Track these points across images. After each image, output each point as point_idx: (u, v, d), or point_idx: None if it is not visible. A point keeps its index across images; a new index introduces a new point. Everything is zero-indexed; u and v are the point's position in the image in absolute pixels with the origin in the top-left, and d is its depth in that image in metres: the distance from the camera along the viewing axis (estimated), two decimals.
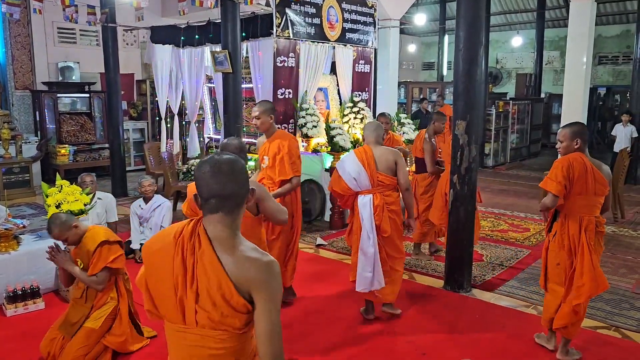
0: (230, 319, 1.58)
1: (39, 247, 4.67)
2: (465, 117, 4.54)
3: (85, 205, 4.82)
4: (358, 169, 3.97)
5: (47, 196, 4.74)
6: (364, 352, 3.73)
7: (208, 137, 8.87)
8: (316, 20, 7.35)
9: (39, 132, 9.68)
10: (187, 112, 8.99)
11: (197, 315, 1.60)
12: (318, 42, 7.44)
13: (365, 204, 3.97)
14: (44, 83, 9.80)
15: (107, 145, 9.97)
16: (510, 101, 12.97)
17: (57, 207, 4.68)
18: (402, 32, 11.32)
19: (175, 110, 8.96)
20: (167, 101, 8.86)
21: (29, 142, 9.21)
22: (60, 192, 4.76)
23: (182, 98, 8.88)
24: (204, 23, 7.84)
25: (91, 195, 4.98)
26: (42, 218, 6.94)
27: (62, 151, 9.45)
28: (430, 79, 17.77)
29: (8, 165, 8.32)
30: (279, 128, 4.75)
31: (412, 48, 16.93)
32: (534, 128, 13.98)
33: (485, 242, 6.27)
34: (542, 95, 15.25)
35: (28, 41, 9.67)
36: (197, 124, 8.83)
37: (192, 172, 7.52)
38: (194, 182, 1.75)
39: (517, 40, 15.17)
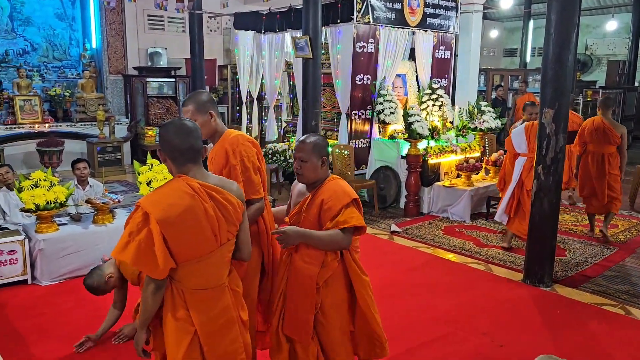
0: (236, 227, 2.20)
1: None
2: (554, 105, 4.35)
3: None
4: (521, 137, 5.44)
5: (139, 174, 5.07)
6: (438, 339, 3.72)
7: (285, 122, 9.06)
8: (397, 5, 7.28)
9: (129, 114, 10.29)
10: (265, 96, 9.21)
11: (228, 234, 2.15)
12: (398, 28, 7.36)
13: (519, 163, 5.45)
14: (134, 68, 10.38)
15: None
16: (600, 90, 12.20)
17: (148, 184, 5.00)
18: (483, 17, 10.91)
19: (255, 95, 9.21)
20: (248, 86, 9.13)
21: (121, 124, 9.82)
22: (150, 170, 5.08)
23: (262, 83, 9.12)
24: (285, 9, 7.98)
25: None
26: (133, 194, 7.42)
27: (150, 132, 9.98)
28: (511, 66, 17.02)
29: (102, 144, 8.94)
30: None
31: (493, 34, 16.27)
32: (626, 119, 13.06)
33: (569, 237, 6.00)
34: (637, 84, 14.21)
35: (121, 28, 10.27)
36: (275, 109, 9.04)
37: (270, 155, 7.73)
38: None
39: (611, 25, 14.17)
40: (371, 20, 6.99)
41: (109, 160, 8.96)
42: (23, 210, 4.58)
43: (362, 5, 6.87)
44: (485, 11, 10.17)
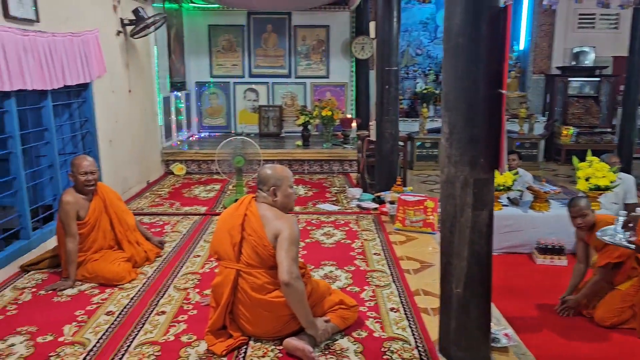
0: None
1: (563, 212, 5.31)
2: None
3: (611, 182, 5.19)
4: None
5: (577, 169, 5.34)
6: None
7: None
8: None
9: (546, 113, 10.55)
10: None
11: None
12: None
13: None
14: (557, 67, 10.54)
15: (609, 129, 10.03)
16: None
17: (587, 180, 5.22)
18: None
19: None
20: None
21: (538, 122, 10.18)
22: (590, 167, 5.28)
23: None
24: None
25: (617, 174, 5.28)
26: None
27: (565, 132, 10.00)
28: None
29: (521, 140, 9.51)
30: None
31: None
32: None
33: None
34: None
35: (550, 29, 10.56)
36: None
37: None
38: None
39: None
40: None
41: (526, 155, 9.42)
42: None
43: None
44: None
